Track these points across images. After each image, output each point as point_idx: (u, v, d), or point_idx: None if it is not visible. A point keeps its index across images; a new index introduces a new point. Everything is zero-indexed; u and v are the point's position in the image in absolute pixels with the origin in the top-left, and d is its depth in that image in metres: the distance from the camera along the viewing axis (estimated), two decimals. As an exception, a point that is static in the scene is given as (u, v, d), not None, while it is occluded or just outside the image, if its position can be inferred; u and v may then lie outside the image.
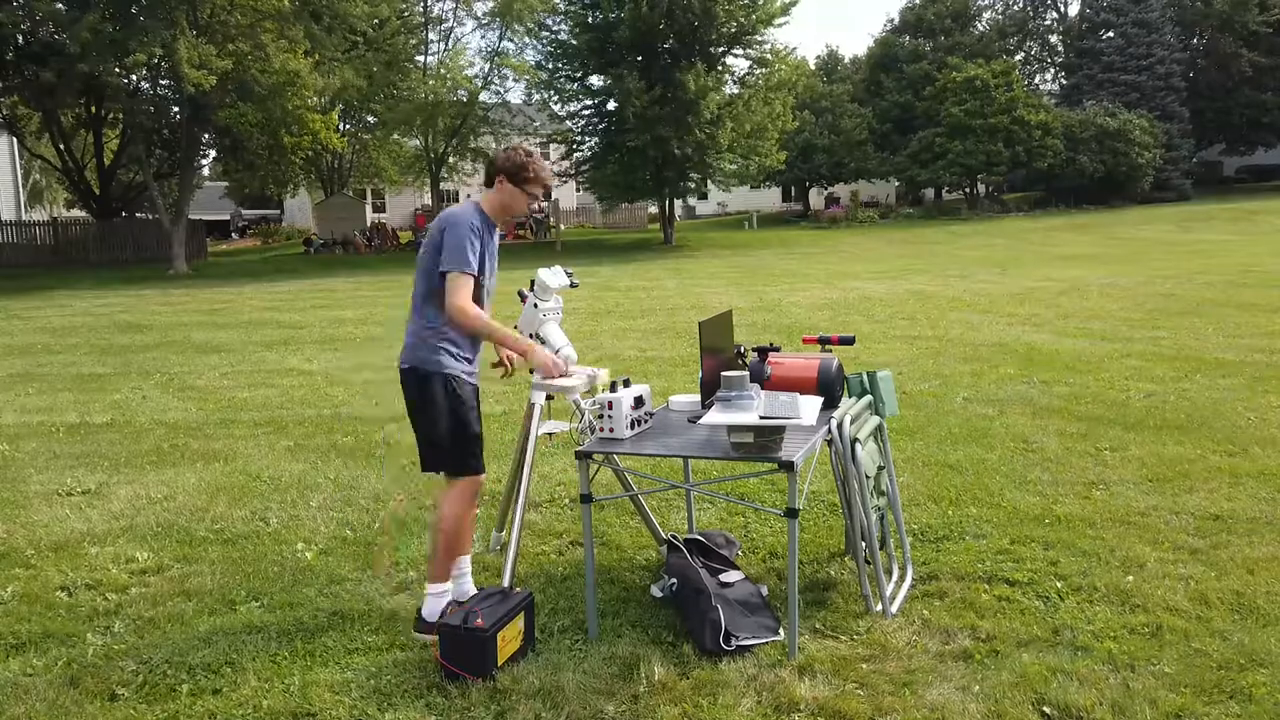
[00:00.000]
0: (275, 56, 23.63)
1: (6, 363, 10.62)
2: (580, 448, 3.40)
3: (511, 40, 33.79)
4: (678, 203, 40.67)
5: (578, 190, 48.41)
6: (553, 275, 3.79)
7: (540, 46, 33.65)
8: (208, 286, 21.59)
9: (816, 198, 51.49)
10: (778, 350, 3.89)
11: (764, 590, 3.70)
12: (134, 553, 4.40)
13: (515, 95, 36.22)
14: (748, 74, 34.08)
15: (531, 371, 3.66)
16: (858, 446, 3.53)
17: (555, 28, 33.08)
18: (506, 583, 3.48)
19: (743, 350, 3.95)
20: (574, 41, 31.99)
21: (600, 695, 3.01)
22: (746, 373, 3.57)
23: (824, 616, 3.52)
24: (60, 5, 23.55)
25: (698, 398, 3.71)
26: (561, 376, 3.59)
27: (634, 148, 30.19)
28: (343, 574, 4.09)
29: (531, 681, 3.09)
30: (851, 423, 3.62)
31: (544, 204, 41.62)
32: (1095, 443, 5.79)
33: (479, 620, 3.11)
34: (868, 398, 3.99)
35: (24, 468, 6.01)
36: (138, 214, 35.13)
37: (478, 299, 3.41)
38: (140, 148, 28.63)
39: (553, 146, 37.99)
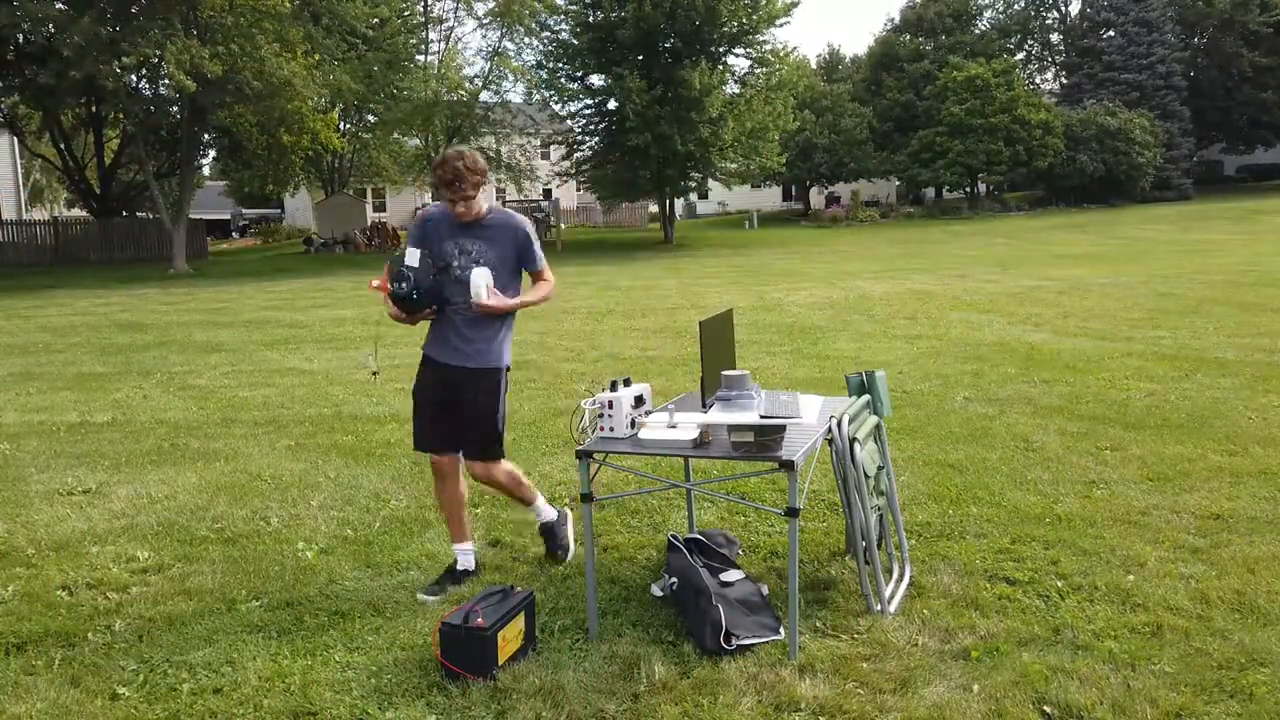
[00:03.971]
0: (270, 59, 23.59)
1: (7, 362, 10.63)
2: (581, 447, 3.40)
3: (512, 40, 33.80)
4: (678, 202, 40.72)
5: (578, 190, 48.44)
6: None
7: (541, 46, 33.68)
8: (208, 286, 21.59)
9: (817, 197, 51.50)
10: None
11: (764, 589, 3.70)
12: (135, 552, 4.40)
13: (516, 95, 36.18)
14: (748, 74, 34.10)
15: None
16: (857, 446, 3.53)
17: (556, 27, 33.09)
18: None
19: None
20: (574, 41, 31.99)
21: (601, 694, 3.02)
22: (747, 372, 3.58)
23: (824, 616, 3.52)
24: (60, 5, 23.54)
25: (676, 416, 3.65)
26: None
27: (634, 147, 30.19)
28: (343, 573, 4.09)
29: (532, 681, 3.09)
30: (850, 422, 3.62)
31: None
32: (1096, 442, 5.79)
33: (479, 620, 3.11)
34: (866, 397, 3.99)
35: (25, 467, 6.02)
36: (138, 213, 35.17)
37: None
38: (140, 148, 28.65)
39: (553, 146, 38.01)
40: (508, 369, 3.94)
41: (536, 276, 3.97)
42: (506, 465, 4.02)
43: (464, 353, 3.84)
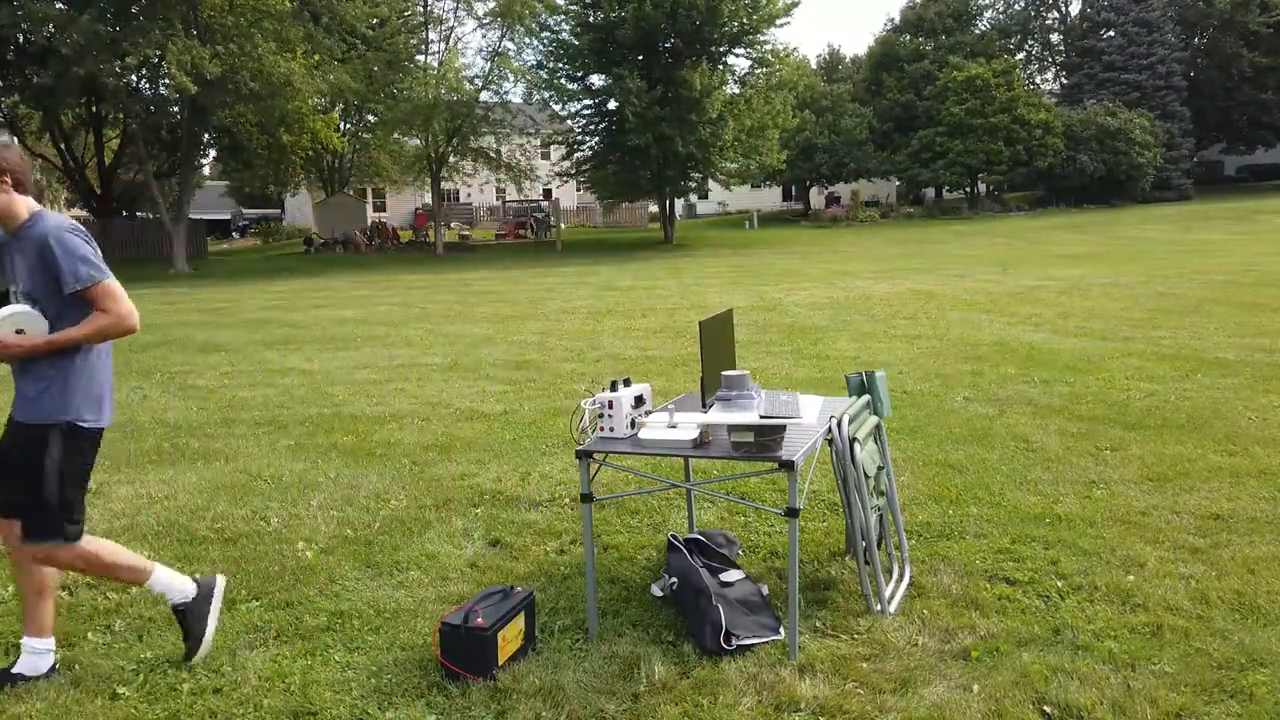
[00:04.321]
0: (269, 58, 23.62)
1: (7, 362, 10.62)
2: (581, 447, 3.40)
3: (512, 40, 33.82)
4: (679, 202, 40.73)
5: (578, 190, 48.46)
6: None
7: (541, 46, 33.71)
8: (208, 286, 21.60)
9: (817, 197, 51.52)
10: None
11: (764, 589, 3.70)
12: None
13: (516, 95, 36.23)
14: (748, 74, 34.13)
15: None
16: (857, 446, 3.53)
17: (556, 27, 33.11)
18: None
19: None
20: (575, 41, 32.00)
21: (601, 694, 3.02)
22: (747, 372, 3.58)
23: (824, 616, 3.52)
24: (60, 5, 23.56)
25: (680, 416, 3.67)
26: None
27: (635, 147, 30.21)
28: (343, 573, 4.09)
29: (532, 681, 3.09)
30: (850, 422, 3.62)
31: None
32: (1096, 442, 5.79)
33: (479, 620, 3.11)
34: (866, 397, 3.99)
35: (25, 467, 6.01)
36: (138, 213, 35.22)
37: None
38: (140, 147, 28.67)
39: (553, 146, 38.02)
40: (68, 425, 3.03)
41: (94, 302, 2.97)
42: (81, 545, 3.16)
43: (16, 402, 3.07)
